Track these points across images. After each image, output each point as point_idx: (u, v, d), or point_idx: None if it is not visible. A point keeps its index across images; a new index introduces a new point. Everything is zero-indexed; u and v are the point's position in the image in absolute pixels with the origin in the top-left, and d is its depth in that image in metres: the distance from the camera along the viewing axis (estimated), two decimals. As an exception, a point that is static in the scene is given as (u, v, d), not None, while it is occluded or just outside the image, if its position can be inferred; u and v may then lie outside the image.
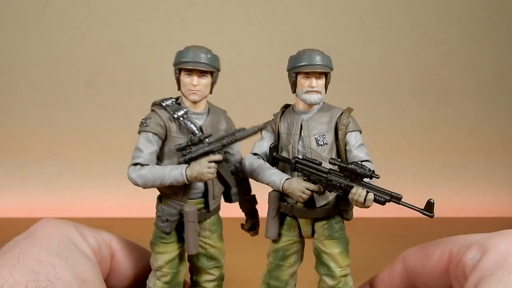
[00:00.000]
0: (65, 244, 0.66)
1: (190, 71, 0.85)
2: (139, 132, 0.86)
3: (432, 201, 0.76)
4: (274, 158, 0.91)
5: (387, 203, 0.80)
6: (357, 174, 0.80)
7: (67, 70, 1.98)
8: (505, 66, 2.09)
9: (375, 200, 0.80)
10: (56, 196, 1.92)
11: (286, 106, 0.95)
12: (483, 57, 2.08)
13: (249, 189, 0.97)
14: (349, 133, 0.89)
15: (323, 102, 0.92)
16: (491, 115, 2.11)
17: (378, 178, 0.80)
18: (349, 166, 0.80)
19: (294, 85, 0.91)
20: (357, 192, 0.80)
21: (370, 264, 1.34)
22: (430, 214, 0.77)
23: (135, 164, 0.83)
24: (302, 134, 0.89)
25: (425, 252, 0.78)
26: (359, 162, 0.83)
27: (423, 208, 0.78)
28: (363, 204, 0.80)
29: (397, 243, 1.52)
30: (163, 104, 0.86)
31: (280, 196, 0.91)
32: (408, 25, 2.03)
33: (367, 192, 0.80)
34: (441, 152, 2.10)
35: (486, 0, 2.03)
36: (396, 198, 0.79)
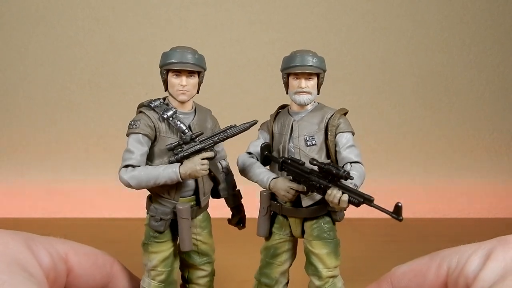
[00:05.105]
0: (5, 265, 0.59)
1: (178, 72, 0.86)
2: (128, 134, 0.86)
3: (400, 204, 0.75)
4: (266, 157, 0.92)
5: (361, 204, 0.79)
6: (332, 174, 0.80)
7: (69, 71, 1.98)
8: (508, 66, 2.08)
9: (350, 202, 0.79)
10: (57, 196, 1.92)
11: (283, 107, 0.96)
12: (486, 57, 2.07)
13: (235, 185, 0.99)
14: (339, 134, 0.88)
15: (318, 103, 0.93)
16: (494, 115, 2.11)
17: (352, 179, 0.79)
18: (325, 166, 0.80)
19: (286, 86, 0.92)
20: (332, 193, 0.79)
21: (370, 264, 1.34)
22: (399, 218, 0.76)
23: (127, 166, 0.84)
24: (292, 134, 0.90)
25: (417, 270, 0.74)
26: (334, 163, 0.84)
27: (392, 211, 0.76)
28: (338, 205, 0.79)
29: (398, 243, 1.53)
30: (152, 105, 0.87)
31: (271, 195, 0.92)
32: (410, 25, 2.03)
33: (343, 193, 0.79)
34: (444, 153, 2.09)
35: (488, 0, 2.03)
36: (368, 200, 0.78)
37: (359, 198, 0.78)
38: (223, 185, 0.96)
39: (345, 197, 0.79)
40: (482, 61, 2.07)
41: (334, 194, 0.79)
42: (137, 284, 0.90)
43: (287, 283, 0.97)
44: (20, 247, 0.64)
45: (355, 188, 0.80)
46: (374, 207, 0.78)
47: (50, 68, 1.98)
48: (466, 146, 2.10)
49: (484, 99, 2.10)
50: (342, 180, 0.80)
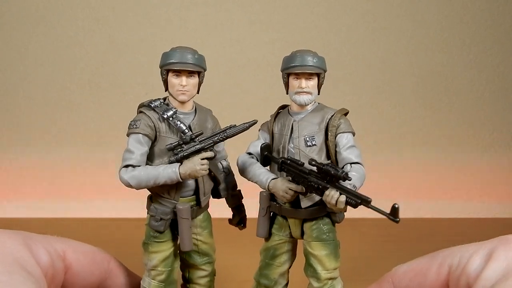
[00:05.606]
0: (3, 265, 0.58)
1: (178, 72, 0.86)
2: (128, 134, 0.86)
3: (397, 206, 0.74)
4: (266, 157, 0.92)
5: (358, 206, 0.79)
6: (331, 175, 0.79)
7: (69, 71, 1.98)
8: (508, 66, 2.08)
9: (348, 203, 0.79)
10: (57, 196, 1.92)
11: (283, 107, 0.96)
12: (485, 57, 2.07)
13: (235, 185, 1.00)
14: (340, 134, 0.88)
15: (318, 103, 0.93)
16: (494, 115, 2.10)
17: (350, 180, 0.78)
18: (324, 167, 0.80)
19: (286, 86, 0.92)
20: (330, 194, 0.79)
21: (370, 264, 1.35)
22: (395, 219, 0.75)
23: (127, 166, 0.84)
24: (292, 134, 0.90)
25: (418, 269, 0.74)
26: (332, 164, 0.82)
27: (389, 212, 0.76)
28: (336, 206, 0.79)
29: (398, 243, 1.53)
30: (152, 105, 0.87)
31: (271, 196, 0.92)
32: (410, 25, 2.02)
33: (340, 194, 0.79)
34: (444, 153, 2.09)
35: (488, 0, 2.03)
36: (365, 201, 0.77)
37: (357, 199, 0.78)
38: (224, 185, 0.97)
39: (343, 198, 0.78)
40: (482, 61, 2.07)
41: (332, 195, 0.79)
42: (134, 280, 0.90)
43: (287, 284, 0.97)
44: (18, 246, 0.64)
45: (354, 189, 0.80)
46: (371, 208, 0.77)
47: (50, 68, 1.97)
48: (466, 146, 2.10)
49: (484, 99, 2.10)
50: (341, 181, 0.79)
